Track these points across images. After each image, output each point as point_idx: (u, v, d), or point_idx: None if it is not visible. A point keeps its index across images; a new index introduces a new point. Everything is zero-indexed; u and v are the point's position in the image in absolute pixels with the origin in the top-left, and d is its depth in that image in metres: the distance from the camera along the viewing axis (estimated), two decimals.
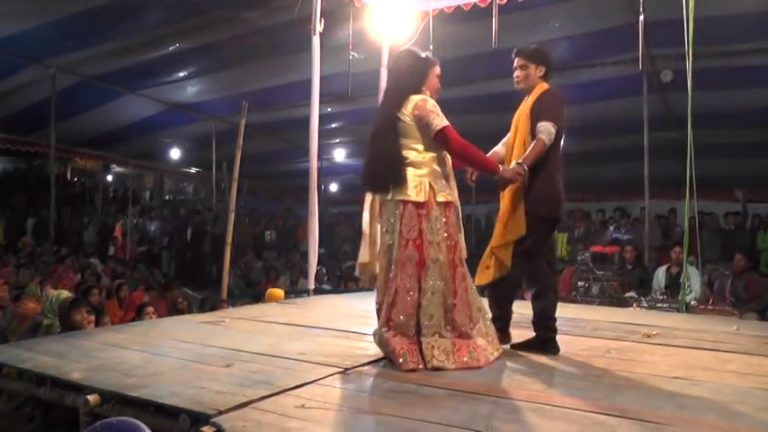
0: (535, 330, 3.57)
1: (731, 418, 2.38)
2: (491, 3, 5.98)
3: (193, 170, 15.90)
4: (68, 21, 7.86)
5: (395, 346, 3.04)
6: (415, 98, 3.11)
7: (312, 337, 3.87)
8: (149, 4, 7.74)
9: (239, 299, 7.52)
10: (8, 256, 9.48)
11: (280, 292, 6.54)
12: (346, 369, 3.00)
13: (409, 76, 3.21)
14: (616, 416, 2.36)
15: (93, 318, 4.96)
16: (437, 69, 3.30)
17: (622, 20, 7.13)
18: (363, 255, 3.43)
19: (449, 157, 3.26)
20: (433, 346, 3.03)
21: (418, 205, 3.04)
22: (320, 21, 5.86)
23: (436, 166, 3.12)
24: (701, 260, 6.48)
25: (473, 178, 3.56)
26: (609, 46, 8.06)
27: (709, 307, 6.03)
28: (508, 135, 3.68)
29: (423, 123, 3.07)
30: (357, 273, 3.56)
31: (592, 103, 9.70)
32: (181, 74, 10.10)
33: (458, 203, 3.25)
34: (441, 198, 3.08)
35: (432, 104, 3.12)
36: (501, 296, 3.63)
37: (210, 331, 4.05)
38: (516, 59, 3.63)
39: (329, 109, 9.66)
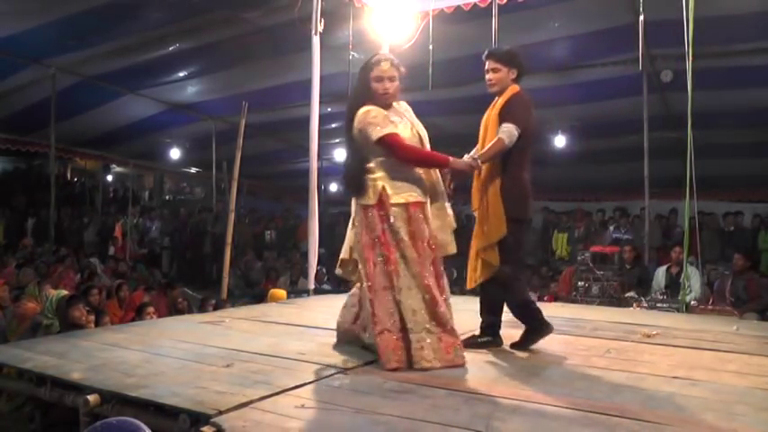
0: (523, 323, 3.61)
1: (731, 418, 2.38)
2: (491, 3, 5.98)
3: (193, 170, 15.90)
4: (68, 21, 7.85)
5: (380, 344, 3.08)
6: (359, 113, 3.19)
7: (312, 336, 3.87)
8: (149, 4, 7.74)
9: (239, 299, 7.53)
10: (8, 256, 9.48)
11: (281, 292, 6.55)
12: (346, 369, 3.00)
13: (355, 92, 3.34)
14: (616, 416, 2.35)
15: (92, 317, 4.98)
16: (374, 72, 3.24)
17: (622, 20, 7.13)
18: (344, 251, 3.50)
19: None
20: (422, 346, 3.05)
21: (377, 207, 3.14)
22: (320, 21, 5.86)
23: (390, 170, 3.17)
24: (700, 260, 6.49)
25: (450, 186, 3.55)
26: (609, 46, 8.06)
27: (709, 307, 6.03)
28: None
29: (363, 135, 3.16)
30: (337, 268, 3.61)
31: (592, 103, 9.73)
32: (181, 74, 10.10)
33: (444, 199, 3.30)
34: (399, 200, 3.14)
35: (372, 115, 3.15)
36: (492, 299, 3.64)
37: (210, 331, 4.05)
38: (488, 62, 3.59)
39: (329, 109, 9.66)
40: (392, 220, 3.11)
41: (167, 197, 18.84)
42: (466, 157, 3.41)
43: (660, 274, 7.20)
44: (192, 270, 12.51)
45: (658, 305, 6.34)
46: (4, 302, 6.20)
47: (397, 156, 3.15)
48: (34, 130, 11.48)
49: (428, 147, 3.36)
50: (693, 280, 6.51)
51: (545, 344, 3.91)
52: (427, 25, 6.33)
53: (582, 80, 9.09)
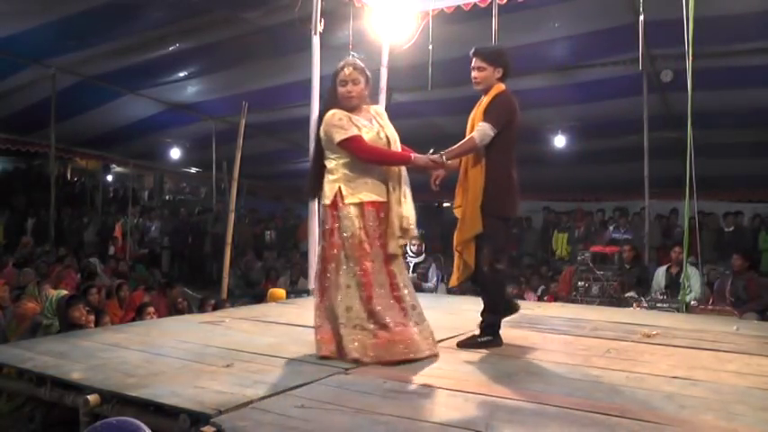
0: (483, 325, 3.62)
1: (730, 418, 2.38)
2: (491, 3, 5.98)
3: (193, 170, 15.90)
4: (69, 21, 7.86)
5: (316, 334, 3.30)
6: (326, 116, 3.33)
7: (312, 337, 3.86)
8: (149, 4, 7.74)
9: (239, 299, 7.52)
10: (8, 256, 9.48)
11: (281, 292, 6.54)
12: (346, 369, 3.00)
13: (325, 97, 3.50)
14: (616, 416, 2.35)
15: (92, 317, 4.97)
16: (339, 76, 3.37)
17: (622, 20, 7.13)
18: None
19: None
20: (353, 339, 3.16)
21: (331, 206, 3.29)
22: (320, 21, 5.86)
23: (349, 171, 3.29)
24: (700, 260, 6.49)
25: (436, 183, 3.60)
26: (609, 46, 8.06)
27: (709, 307, 6.03)
28: None
29: (327, 138, 3.30)
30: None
31: (592, 103, 9.72)
32: (181, 74, 10.10)
33: (393, 206, 3.32)
34: (354, 199, 3.26)
35: (337, 118, 3.28)
36: (493, 298, 3.64)
37: (210, 331, 4.05)
38: (474, 60, 3.59)
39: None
40: (343, 219, 3.25)
41: (167, 197, 18.83)
42: (431, 155, 3.46)
43: (660, 274, 7.20)
44: (192, 270, 12.51)
45: (658, 305, 6.34)
46: (4, 302, 6.20)
47: (358, 157, 3.27)
48: (34, 130, 11.48)
49: (397, 149, 3.44)
50: (693, 280, 6.51)
51: (545, 344, 3.91)
52: (427, 25, 6.33)
53: (582, 80, 9.09)
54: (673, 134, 8.93)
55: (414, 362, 3.12)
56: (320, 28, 5.87)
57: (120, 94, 10.61)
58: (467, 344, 3.58)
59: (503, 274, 3.69)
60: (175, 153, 13.72)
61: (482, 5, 6.05)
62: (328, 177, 3.34)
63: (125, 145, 13.08)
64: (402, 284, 3.31)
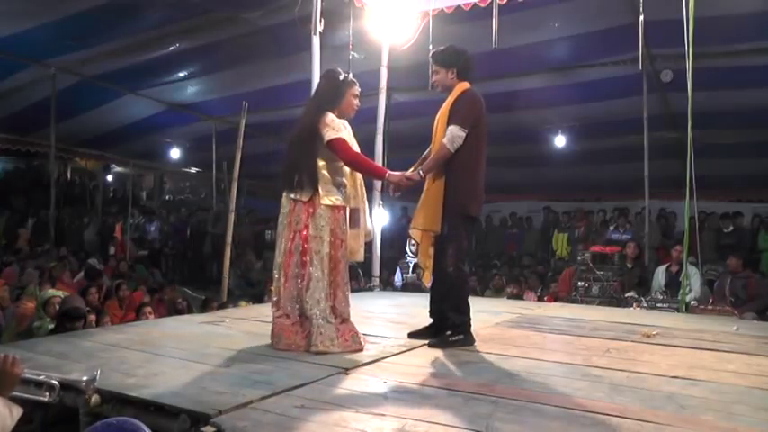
0: (452, 325, 3.66)
1: (731, 418, 2.38)
2: (491, 3, 5.98)
3: (193, 170, 15.89)
4: (68, 21, 7.86)
5: (275, 326, 3.46)
6: (326, 117, 3.48)
7: None
8: (149, 4, 7.74)
9: (239, 299, 7.51)
10: (8, 256, 9.47)
11: None
12: (346, 369, 3.00)
13: (328, 95, 3.59)
14: (616, 416, 2.35)
15: (93, 317, 4.96)
16: (354, 90, 3.61)
17: (622, 20, 7.13)
18: None
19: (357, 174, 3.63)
20: (321, 332, 3.36)
21: (307, 204, 3.44)
22: (320, 21, 5.86)
23: (327, 173, 3.47)
24: (700, 260, 6.49)
25: (393, 194, 3.76)
26: (609, 46, 8.06)
27: (709, 307, 6.03)
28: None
29: (319, 136, 3.46)
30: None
31: (592, 103, 9.73)
32: (181, 74, 10.10)
33: (358, 208, 3.62)
34: (328, 201, 3.44)
35: (330, 119, 3.47)
36: (458, 298, 3.66)
37: (210, 331, 4.06)
38: (432, 64, 3.73)
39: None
40: (318, 218, 3.41)
41: (167, 197, 18.82)
42: (409, 171, 3.62)
43: (660, 274, 7.20)
44: (193, 270, 12.50)
45: (658, 305, 6.34)
46: (4, 302, 6.20)
47: (343, 158, 3.45)
48: (34, 130, 11.48)
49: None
50: (693, 280, 6.51)
51: (545, 344, 3.92)
52: (427, 25, 6.33)
53: (582, 80, 9.09)
54: (673, 134, 8.95)
55: (361, 351, 3.40)
56: (320, 28, 5.87)
57: (120, 94, 10.61)
58: (438, 343, 3.62)
59: (466, 274, 3.80)
60: (175, 153, 13.72)
61: (482, 5, 6.05)
62: (305, 175, 3.46)
63: (125, 145, 13.08)
64: (348, 283, 3.58)
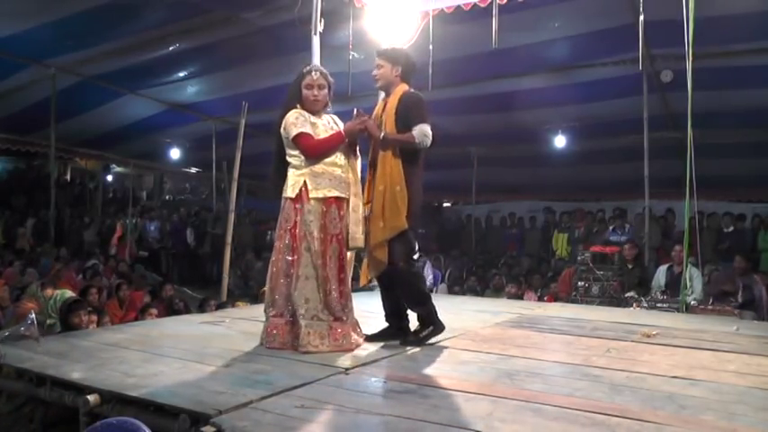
0: (421, 319, 3.68)
1: (730, 418, 2.38)
2: (491, 3, 5.98)
3: (193, 170, 15.89)
4: (68, 21, 7.86)
5: (268, 325, 3.46)
6: (288, 115, 3.48)
7: None
8: (149, 4, 7.74)
9: (239, 299, 7.51)
10: (7, 256, 9.47)
11: None
12: (346, 369, 3.00)
13: (287, 97, 3.60)
14: (616, 416, 2.35)
15: (94, 317, 4.97)
16: (306, 80, 3.54)
17: (622, 20, 7.13)
18: None
19: (353, 161, 3.60)
20: (309, 332, 3.34)
21: (295, 200, 3.43)
22: (320, 21, 5.86)
23: (314, 166, 3.44)
24: (700, 260, 6.49)
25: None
26: (609, 46, 8.06)
27: (709, 307, 6.03)
28: None
29: (285, 134, 3.48)
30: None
31: (592, 103, 9.73)
32: (181, 74, 10.10)
33: (351, 199, 3.51)
34: (318, 194, 3.41)
35: (294, 117, 3.46)
36: (415, 291, 3.67)
37: (210, 331, 4.06)
38: (376, 59, 3.74)
39: (329, 109, 9.68)
40: (306, 213, 3.39)
41: (167, 197, 18.81)
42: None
43: (661, 273, 7.20)
44: (192, 270, 12.50)
45: (658, 305, 6.34)
46: (4, 302, 6.20)
47: (307, 153, 3.43)
48: (34, 130, 11.48)
49: (355, 151, 3.63)
50: (696, 281, 6.51)
51: (545, 344, 3.92)
52: (427, 25, 6.33)
53: (582, 80, 9.09)
54: (673, 134, 8.94)
55: (352, 351, 3.39)
56: (320, 28, 5.87)
57: (120, 94, 10.61)
58: (412, 342, 3.63)
59: (416, 266, 3.86)
60: (175, 153, 13.72)
61: (482, 5, 6.04)
62: (294, 172, 3.47)
63: (125, 145, 13.08)
64: (348, 280, 3.55)
